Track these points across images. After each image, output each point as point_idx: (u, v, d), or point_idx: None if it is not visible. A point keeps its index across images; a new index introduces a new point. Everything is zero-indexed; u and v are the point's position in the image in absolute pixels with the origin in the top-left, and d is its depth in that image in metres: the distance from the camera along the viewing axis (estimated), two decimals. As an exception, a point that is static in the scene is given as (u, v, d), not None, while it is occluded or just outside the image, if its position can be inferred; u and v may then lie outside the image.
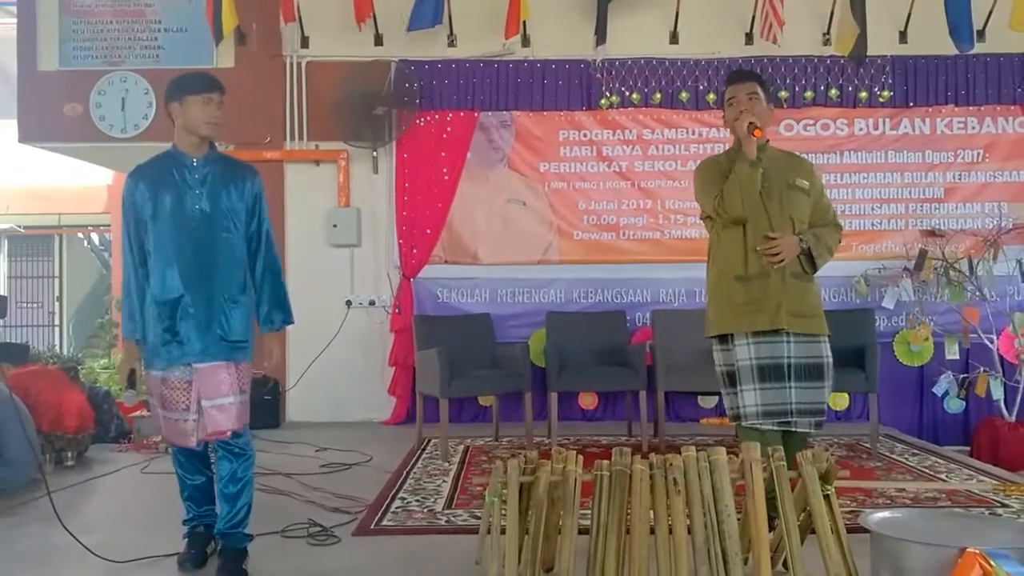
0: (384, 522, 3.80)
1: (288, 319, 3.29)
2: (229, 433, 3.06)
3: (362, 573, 3.18)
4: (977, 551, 2.26)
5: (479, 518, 3.28)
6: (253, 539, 3.19)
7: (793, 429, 3.32)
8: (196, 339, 3.04)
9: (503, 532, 2.64)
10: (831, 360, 3.41)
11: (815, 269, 3.43)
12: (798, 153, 3.72)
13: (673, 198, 6.57)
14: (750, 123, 3.32)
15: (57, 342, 11.32)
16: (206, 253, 3.08)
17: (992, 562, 2.23)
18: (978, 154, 6.58)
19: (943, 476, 4.65)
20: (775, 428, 3.29)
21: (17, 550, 3.35)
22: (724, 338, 3.42)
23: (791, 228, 3.38)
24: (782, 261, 3.32)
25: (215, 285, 3.08)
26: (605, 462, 2.70)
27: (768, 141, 3.51)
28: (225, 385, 3.05)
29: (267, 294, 3.24)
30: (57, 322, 11.74)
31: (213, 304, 3.07)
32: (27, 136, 6.74)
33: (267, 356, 3.26)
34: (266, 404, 6.21)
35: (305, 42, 6.67)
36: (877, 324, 6.08)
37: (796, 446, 3.29)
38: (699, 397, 6.44)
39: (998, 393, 5.95)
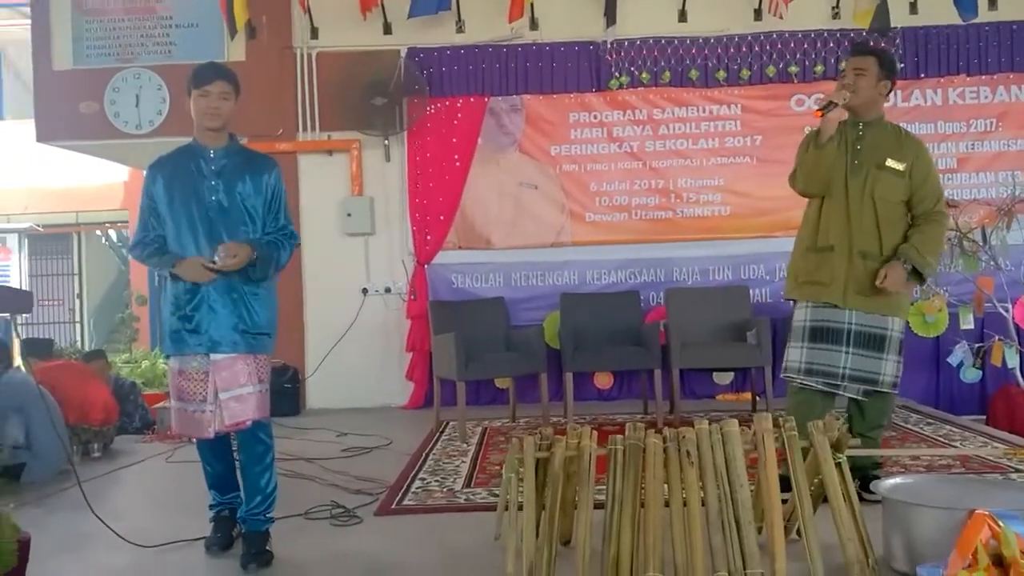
0: (405, 502, 3.87)
1: (265, 274, 3.11)
2: (250, 423, 3.09)
3: (384, 551, 3.25)
4: (986, 512, 2.30)
5: (497, 496, 3.34)
6: (275, 522, 3.25)
7: (841, 393, 3.45)
8: (216, 330, 3.05)
9: (521, 508, 2.69)
10: (899, 335, 3.46)
11: (923, 279, 3.50)
12: (906, 129, 3.65)
13: (685, 177, 6.55)
14: (821, 99, 3.40)
15: (78, 339, 11.48)
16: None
17: (1000, 523, 2.26)
18: (991, 123, 6.54)
19: (957, 444, 4.67)
20: (819, 387, 3.42)
21: (50, 537, 3.43)
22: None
23: (871, 208, 3.42)
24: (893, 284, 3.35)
25: (235, 276, 3.08)
26: (619, 436, 2.74)
27: (883, 117, 3.56)
28: (243, 376, 3.07)
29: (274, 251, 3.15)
30: (78, 319, 11.88)
31: (234, 295, 3.08)
32: (44, 135, 6.84)
33: (226, 248, 3.02)
34: (286, 392, 6.30)
35: (315, 33, 6.71)
36: (891, 296, 6.07)
37: (869, 411, 3.48)
38: (714, 374, 6.47)
39: (1013, 361, 5.93)
